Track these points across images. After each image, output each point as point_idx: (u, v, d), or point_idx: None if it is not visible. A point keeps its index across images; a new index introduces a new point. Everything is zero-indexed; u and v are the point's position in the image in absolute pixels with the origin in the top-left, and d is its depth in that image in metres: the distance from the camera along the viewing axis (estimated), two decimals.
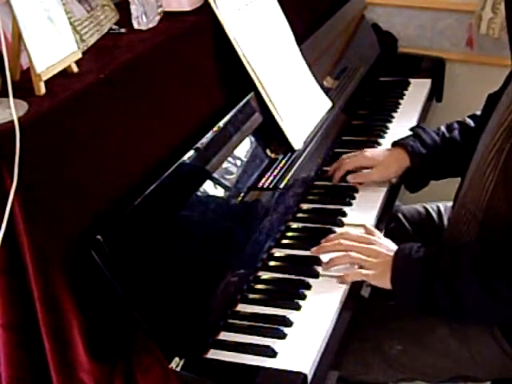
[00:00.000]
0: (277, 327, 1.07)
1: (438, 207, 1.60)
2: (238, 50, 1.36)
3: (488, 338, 1.24)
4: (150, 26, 1.31)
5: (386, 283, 1.18)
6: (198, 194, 1.15)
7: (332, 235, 1.28)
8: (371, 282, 1.21)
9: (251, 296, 1.15)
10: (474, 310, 1.15)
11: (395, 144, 1.52)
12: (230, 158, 1.26)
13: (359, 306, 1.22)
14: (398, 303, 1.20)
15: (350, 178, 1.48)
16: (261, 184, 1.31)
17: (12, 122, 0.89)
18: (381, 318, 1.34)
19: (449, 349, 1.26)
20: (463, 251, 1.17)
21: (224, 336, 1.07)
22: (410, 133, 1.55)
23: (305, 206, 1.42)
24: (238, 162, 1.28)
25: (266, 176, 1.33)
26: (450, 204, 1.47)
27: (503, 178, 1.19)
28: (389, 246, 1.23)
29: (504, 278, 1.10)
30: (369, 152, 1.51)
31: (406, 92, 1.99)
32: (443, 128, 1.53)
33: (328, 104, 1.64)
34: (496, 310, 1.14)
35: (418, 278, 1.15)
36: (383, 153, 1.51)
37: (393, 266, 1.17)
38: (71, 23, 1.13)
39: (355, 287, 1.19)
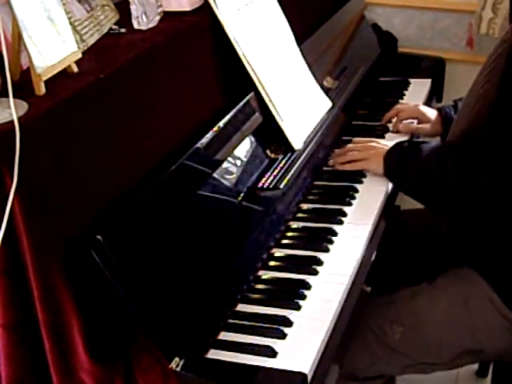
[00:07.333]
0: (277, 327, 1.07)
1: None
2: (238, 50, 1.36)
3: (488, 305, 1.25)
4: (150, 25, 1.31)
5: (377, 168, 1.45)
6: (198, 194, 1.15)
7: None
8: (366, 168, 1.48)
9: (251, 296, 1.15)
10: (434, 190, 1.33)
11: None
12: (230, 158, 1.26)
13: (359, 305, 1.21)
14: (385, 174, 1.45)
15: (402, 126, 1.68)
16: (261, 184, 1.31)
17: (12, 122, 0.89)
18: (379, 309, 1.35)
19: (451, 322, 1.27)
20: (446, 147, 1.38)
21: (224, 336, 1.07)
22: None
23: (305, 206, 1.42)
24: (238, 162, 1.28)
25: (266, 176, 1.33)
26: None
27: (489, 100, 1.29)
28: (387, 143, 1.47)
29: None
30: (424, 108, 1.71)
31: (405, 92, 1.99)
32: None
33: (328, 104, 1.64)
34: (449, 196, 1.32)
35: (400, 152, 1.40)
36: (433, 112, 1.69)
37: (388, 149, 1.43)
38: (71, 23, 1.13)
39: (355, 287, 1.19)
